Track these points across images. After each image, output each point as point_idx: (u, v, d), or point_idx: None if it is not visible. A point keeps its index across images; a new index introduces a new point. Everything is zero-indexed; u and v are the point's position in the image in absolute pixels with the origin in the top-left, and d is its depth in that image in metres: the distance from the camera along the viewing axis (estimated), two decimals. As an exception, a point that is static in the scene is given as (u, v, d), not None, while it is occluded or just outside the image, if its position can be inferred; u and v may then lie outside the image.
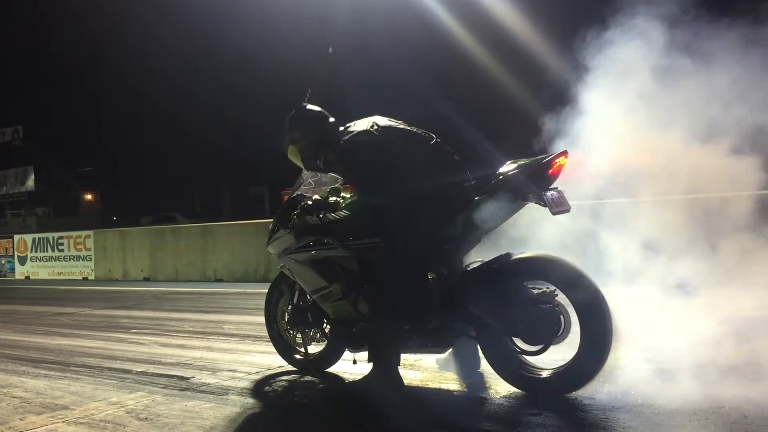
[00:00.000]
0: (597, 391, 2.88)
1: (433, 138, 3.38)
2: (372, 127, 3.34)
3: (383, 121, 3.41)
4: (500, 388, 3.15)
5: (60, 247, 15.64)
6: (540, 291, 3.06)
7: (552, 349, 2.98)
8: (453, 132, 3.48)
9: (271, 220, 3.91)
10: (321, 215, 3.51)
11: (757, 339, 2.95)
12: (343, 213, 3.49)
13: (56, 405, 3.37)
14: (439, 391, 3.34)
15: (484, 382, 3.25)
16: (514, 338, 3.10)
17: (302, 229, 3.56)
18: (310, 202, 3.59)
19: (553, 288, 3.02)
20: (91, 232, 15.34)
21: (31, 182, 39.33)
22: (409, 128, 3.41)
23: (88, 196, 48.69)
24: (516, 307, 3.04)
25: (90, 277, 14.76)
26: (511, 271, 3.10)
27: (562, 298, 2.99)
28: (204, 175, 45.24)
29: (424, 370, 3.70)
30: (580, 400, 2.90)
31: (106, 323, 6.73)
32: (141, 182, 46.95)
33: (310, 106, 3.53)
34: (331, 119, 3.50)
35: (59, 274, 15.50)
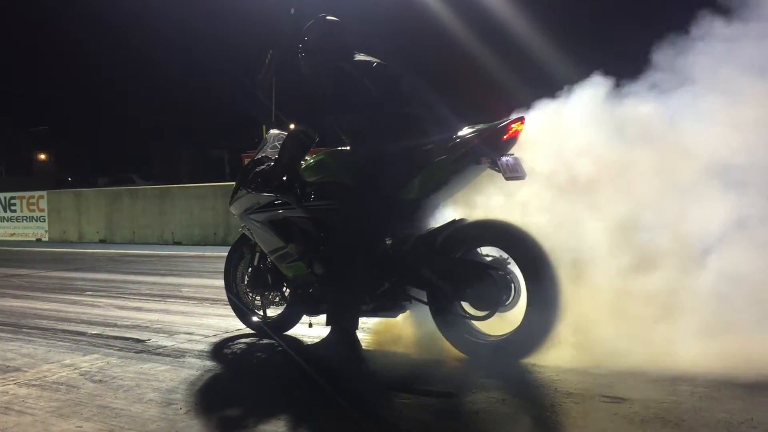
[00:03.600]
0: (549, 355, 2.93)
1: (409, 102, 3.39)
2: (375, 65, 3.39)
3: (379, 65, 3.43)
4: (456, 351, 3.19)
5: (12, 208, 15.19)
6: (492, 258, 3.09)
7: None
8: (414, 94, 3.46)
9: (231, 183, 3.88)
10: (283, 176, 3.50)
11: (709, 303, 3.00)
12: (304, 173, 3.48)
13: (8, 367, 3.31)
14: (396, 354, 3.37)
15: (441, 346, 3.29)
16: (462, 303, 3.13)
17: (262, 189, 3.55)
18: (272, 163, 3.57)
19: (506, 255, 3.05)
20: (44, 193, 14.90)
21: (-19, 141, 37.99)
22: (394, 84, 3.41)
23: (42, 156, 47.46)
24: (465, 271, 3.07)
25: (44, 239, 14.42)
26: (463, 236, 3.12)
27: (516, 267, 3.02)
28: (163, 136, 44.45)
29: (382, 333, 3.72)
30: (533, 363, 2.95)
31: (60, 285, 6.60)
32: (97, 143, 45.93)
33: (330, 17, 3.54)
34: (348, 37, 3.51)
35: (12, 235, 15.09)
